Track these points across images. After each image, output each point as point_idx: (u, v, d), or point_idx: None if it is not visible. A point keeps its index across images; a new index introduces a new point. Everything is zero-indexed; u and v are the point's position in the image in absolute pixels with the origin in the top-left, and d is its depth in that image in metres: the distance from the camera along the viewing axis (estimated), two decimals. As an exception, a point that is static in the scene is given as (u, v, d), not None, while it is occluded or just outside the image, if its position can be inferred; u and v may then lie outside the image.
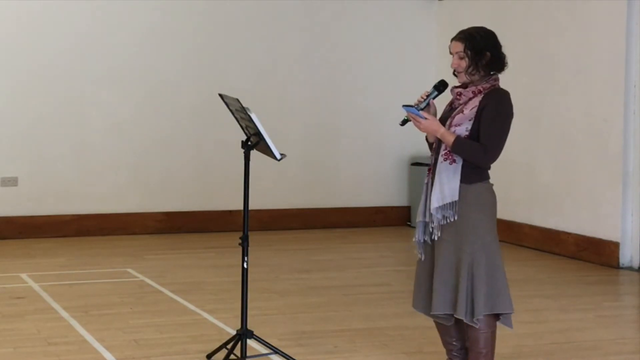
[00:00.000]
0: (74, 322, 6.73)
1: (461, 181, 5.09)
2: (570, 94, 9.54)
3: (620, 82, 8.95)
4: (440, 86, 5.23)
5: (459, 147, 5.04)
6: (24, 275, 8.32)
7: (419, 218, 5.24)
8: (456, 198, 5.06)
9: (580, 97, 9.41)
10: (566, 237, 9.52)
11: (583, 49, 9.37)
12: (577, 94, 9.44)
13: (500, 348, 6.13)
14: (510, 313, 5.20)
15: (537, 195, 9.95)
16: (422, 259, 5.27)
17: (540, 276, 8.66)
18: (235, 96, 5.66)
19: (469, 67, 5.10)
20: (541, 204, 9.91)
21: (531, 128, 9.93)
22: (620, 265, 8.97)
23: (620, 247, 8.98)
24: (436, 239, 5.14)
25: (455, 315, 5.12)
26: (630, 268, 8.95)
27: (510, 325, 5.27)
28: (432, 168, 5.22)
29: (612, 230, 9.04)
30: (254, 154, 5.71)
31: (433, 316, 5.27)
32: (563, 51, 9.62)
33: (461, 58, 5.12)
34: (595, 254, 9.18)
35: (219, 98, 5.80)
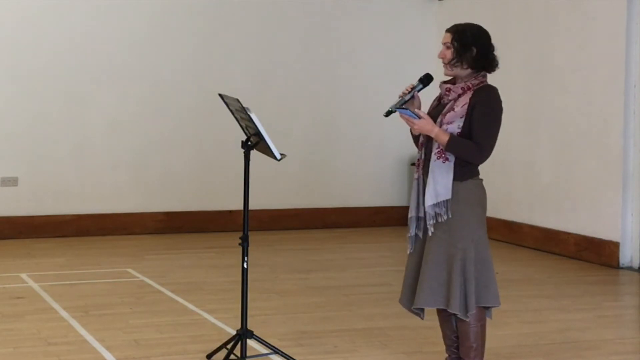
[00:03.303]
0: (74, 322, 6.73)
1: (454, 179, 5.13)
2: (570, 94, 9.54)
3: (620, 82, 8.95)
4: (425, 79, 5.27)
5: (453, 146, 5.09)
6: (24, 275, 8.32)
7: (411, 213, 5.29)
8: (449, 196, 5.12)
9: (580, 97, 9.41)
10: (566, 237, 9.52)
11: (583, 49, 9.37)
12: (577, 94, 9.44)
13: (501, 348, 6.14)
14: (496, 306, 5.27)
15: (537, 195, 9.95)
16: (410, 251, 5.32)
17: (540, 276, 8.66)
18: (235, 96, 5.67)
19: (452, 59, 5.17)
20: (541, 204, 9.91)
21: (531, 128, 9.93)
22: (620, 265, 8.98)
23: (620, 247, 8.98)
24: (430, 234, 5.18)
25: (449, 310, 5.16)
26: (630, 268, 8.95)
27: (489, 316, 5.34)
28: (420, 163, 5.28)
29: (612, 230, 9.04)
30: (254, 154, 5.71)
31: (412, 310, 5.30)
32: (563, 51, 9.62)
33: (447, 48, 5.20)
34: (595, 254, 9.18)
35: (219, 98, 5.80)
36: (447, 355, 5.45)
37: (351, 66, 11.27)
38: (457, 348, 5.38)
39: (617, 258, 8.98)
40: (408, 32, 11.44)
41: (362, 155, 11.33)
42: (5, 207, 10.14)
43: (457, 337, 5.37)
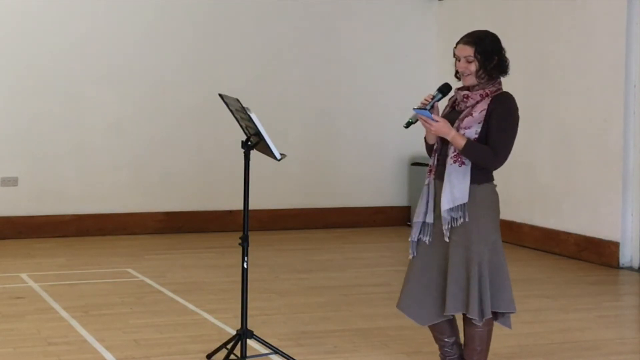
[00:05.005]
0: (74, 322, 6.73)
1: (471, 182, 5.13)
2: (570, 94, 9.54)
3: (620, 82, 8.95)
4: (444, 89, 5.26)
5: (469, 150, 5.08)
6: (24, 275, 8.32)
7: (418, 219, 5.26)
8: (466, 200, 5.11)
9: (580, 98, 9.41)
10: (566, 237, 9.52)
11: (583, 49, 9.37)
12: (577, 94, 9.44)
13: (501, 348, 6.14)
14: (512, 313, 5.24)
15: (537, 195, 9.95)
16: (412, 256, 5.30)
17: (540, 276, 8.66)
18: (235, 96, 5.67)
19: (478, 70, 5.13)
20: (541, 204, 9.91)
21: (531, 128, 9.92)
22: (620, 265, 8.98)
23: (620, 247, 8.98)
24: (447, 240, 5.16)
25: (468, 315, 5.15)
26: (630, 268, 8.95)
27: (509, 325, 5.32)
28: (433, 169, 5.25)
29: (612, 230, 9.04)
30: (254, 154, 5.71)
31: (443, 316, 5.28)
32: (563, 51, 9.62)
33: (470, 62, 5.13)
34: (595, 254, 9.18)
35: (219, 98, 5.80)
36: (440, 353, 5.46)
37: (351, 66, 11.27)
38: (451, 348, 5.40)
39: (617, 258, 8.98)
40: (408, 32, 11.44)
41: (362, 155, 11.33)
42: (5, 207, 10.15)
43: (449, 339, 5.38)
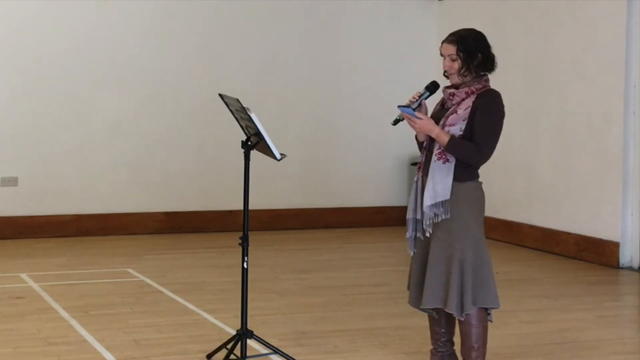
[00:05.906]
0: (74, 322, 6.73)
1: (454, 180, 5.15)
2: (570, 94, 9.54)
3: (620, 82, 8.95)
4: (432, 87, 5.32)
5: (453, 146, 5.12)
6: (24, 275, 8.32)
7: (409, 215, 5.33)
8: (448, 197, 5.15)
9: (580, 97, 9.41)
10: (566, 237, 9.52)
11: (583, 49, 9.37)
12: (577, 94, 9.44)
13: (501, 348, 6.14)
14: (496, 308, 5.28)
15: (537, 195, 9.95)
16: (412, 254, 5.36)
17: (540, 276, 8.66)
18: (235, 96, 5.67)
19: (461, 68, 5.20)
20: (541, 204, 9.91)
21: (531, 128, 9.93)
22: (620, 265, 8.98)
23: (620, 247, 8.98)
24: (428, 235, 5.21)
25: (445, 310, 5.20)
26: (630, 268, 8.95)
27: (490, 319, 5.35)
28: (422, 166, 5.32)
29: (612, 230, 9.04)
30: (254, 153, 5.71)
31: (422, 310, 5.33)
32: (563, 51, 9.62)
33: (453, 60, 5.20)
34: (595, 254, 9.18)
35: (219, 98, 5.81)
36: (432, 347, 5.49)
37: (351, 66, 11.27)
38: (443, 344, 5.44)
39: (617, 258, 8.98)
40: (408, 32, 11.44)
41: (362, 155, 11.33)
42: (5, 207, 10.14)
43: (445, 335, 5.42)
